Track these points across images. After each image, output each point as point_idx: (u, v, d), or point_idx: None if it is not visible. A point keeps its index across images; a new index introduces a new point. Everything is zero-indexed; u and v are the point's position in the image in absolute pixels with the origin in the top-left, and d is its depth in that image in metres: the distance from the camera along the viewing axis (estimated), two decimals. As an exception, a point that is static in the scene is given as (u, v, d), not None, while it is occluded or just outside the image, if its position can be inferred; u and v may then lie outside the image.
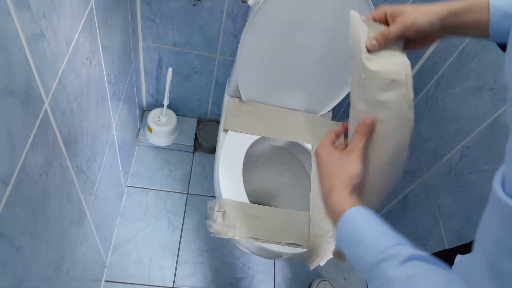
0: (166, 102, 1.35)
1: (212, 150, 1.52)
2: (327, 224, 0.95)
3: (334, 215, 0.47)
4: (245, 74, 1.05)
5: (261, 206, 0.95)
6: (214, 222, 0.91)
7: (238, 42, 1.11)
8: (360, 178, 0.50)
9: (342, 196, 0.48)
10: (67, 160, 0.65)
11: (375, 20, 0.52)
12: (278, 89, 1.11)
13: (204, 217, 1.37)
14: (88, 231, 0.89)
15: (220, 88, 1.40)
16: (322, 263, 0.97)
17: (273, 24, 0.94)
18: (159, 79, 1.38)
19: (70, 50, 0.59)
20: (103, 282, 1.17)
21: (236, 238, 0.89)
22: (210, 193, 1.43)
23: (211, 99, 1.46)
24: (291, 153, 1.18)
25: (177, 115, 1.48)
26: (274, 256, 0.94)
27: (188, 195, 1.41)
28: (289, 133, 1.12)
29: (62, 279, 0.72)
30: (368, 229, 0.44)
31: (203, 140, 1.50)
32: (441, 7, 0.47)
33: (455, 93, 1.04)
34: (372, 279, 0.40)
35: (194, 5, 1.06)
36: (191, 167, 1.48)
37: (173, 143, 1.48)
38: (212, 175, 1.24)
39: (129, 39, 1.07)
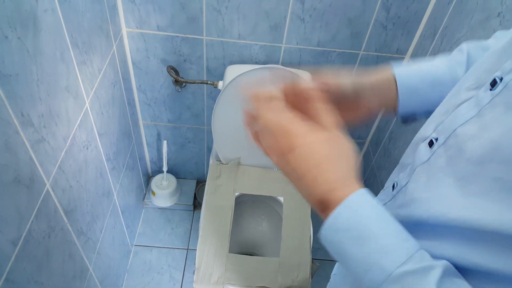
0: (165, 169, 1.57)
1: (210, 208, 1.70)
2: (295, 269, 1.08)
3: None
4: (220, 140, 1.26)
5: (235, 255, 1.10)
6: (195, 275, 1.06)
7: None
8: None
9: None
10: (68, 225, 0.85)
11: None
12: (251, 150, 1.30)
13: (203, 270, 1.51)
14: (92, 284, 1.06)
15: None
16: (295, 305, 1.08)
17: (237, 100, 1.16)
18: (160, 149, 1.61)
19: (67, 144, 0.82)
20: (111, 334, 1.32)
21: (211, 286, 1.03)
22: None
23: (205, 162, 1.67)
24: (268, 205, 1.34)
25: (178, 178, 1.69)
26: (248, 299, 1.06)
27: (188, 250, 1.57)
28: (264, 188, 1.29)
29: (65, 324, 0.89)
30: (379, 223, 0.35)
31: (201, 199, 1.68)
32: (358, 78, 0.49)
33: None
34: None
35: (178, 91, 1.31)
36: (191, 224, 1.66)
37: (175, 203, 1.67)
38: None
39: (128, 122, 1.32)
